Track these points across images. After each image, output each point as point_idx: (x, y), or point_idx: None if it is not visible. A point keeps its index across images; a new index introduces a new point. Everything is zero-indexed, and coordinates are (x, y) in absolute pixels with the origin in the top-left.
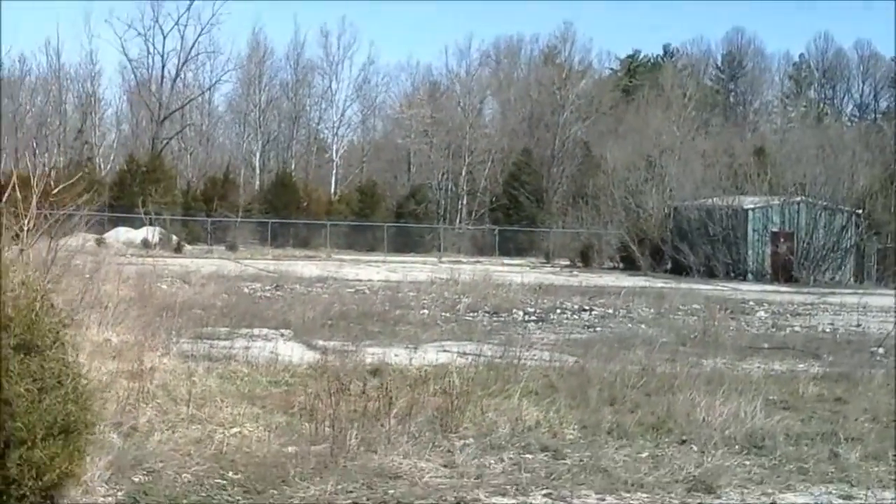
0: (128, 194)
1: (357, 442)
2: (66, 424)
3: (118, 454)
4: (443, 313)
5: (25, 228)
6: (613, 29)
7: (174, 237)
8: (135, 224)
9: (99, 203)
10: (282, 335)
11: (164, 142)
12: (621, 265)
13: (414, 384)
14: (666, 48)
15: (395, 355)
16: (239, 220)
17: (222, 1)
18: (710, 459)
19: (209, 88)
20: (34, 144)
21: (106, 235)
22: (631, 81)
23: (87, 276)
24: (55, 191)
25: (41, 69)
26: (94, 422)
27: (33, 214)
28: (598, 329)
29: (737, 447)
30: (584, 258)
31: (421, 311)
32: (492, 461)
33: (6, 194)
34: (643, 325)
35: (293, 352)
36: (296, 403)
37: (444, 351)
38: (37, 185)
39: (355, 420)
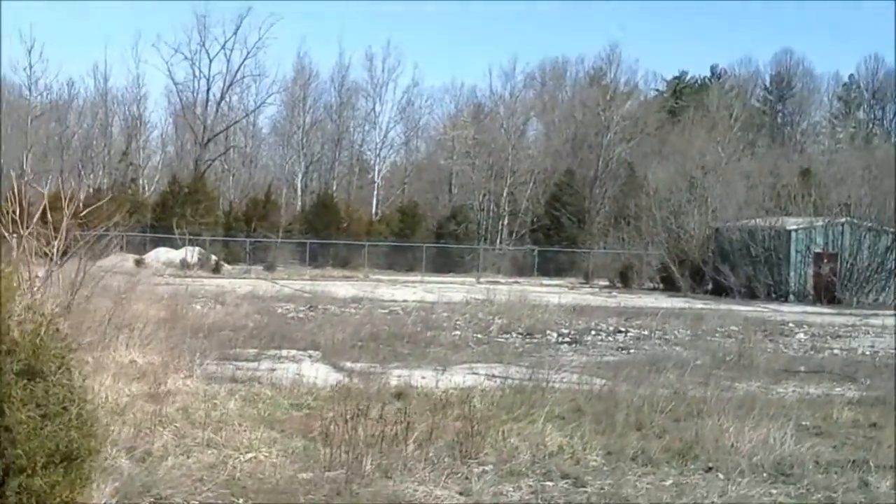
0: (169, 215)
1: (373, 468)
2: (69, 452)
3: (126, 480)
4: (475, 334)
5: (55, 249)
6: (660, 50)
7: (213, 257)
8: (175, 244)
9: (141, 224)
10: (309, 357)
11: (208, 163)
12: (661, 286)
13: (435, 408)
14: (713, 69)
15: (422, 378)
16: (279, 240)
17: (268, 25)
18: (734, 488)
19: (254, 111)
20: (80, 166)
21: (146, 256)
22: (677, 102)
23: (122, 296)
24: (84, 212)
25: (89, 93)
26: (98, 448)
27: (63, 235)
28: (631, 351)
29: (764, 475)
30: (624, 279)
31: (453, 333)
32: (510, 489)
33: (36, 216)
34: (678, 348)
35: (319, 374)
36: (315, 428)
37: (473, 373)
38: (67, 206)
39: (373, 445)
